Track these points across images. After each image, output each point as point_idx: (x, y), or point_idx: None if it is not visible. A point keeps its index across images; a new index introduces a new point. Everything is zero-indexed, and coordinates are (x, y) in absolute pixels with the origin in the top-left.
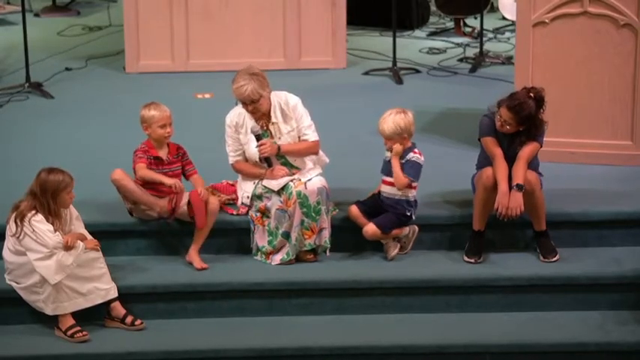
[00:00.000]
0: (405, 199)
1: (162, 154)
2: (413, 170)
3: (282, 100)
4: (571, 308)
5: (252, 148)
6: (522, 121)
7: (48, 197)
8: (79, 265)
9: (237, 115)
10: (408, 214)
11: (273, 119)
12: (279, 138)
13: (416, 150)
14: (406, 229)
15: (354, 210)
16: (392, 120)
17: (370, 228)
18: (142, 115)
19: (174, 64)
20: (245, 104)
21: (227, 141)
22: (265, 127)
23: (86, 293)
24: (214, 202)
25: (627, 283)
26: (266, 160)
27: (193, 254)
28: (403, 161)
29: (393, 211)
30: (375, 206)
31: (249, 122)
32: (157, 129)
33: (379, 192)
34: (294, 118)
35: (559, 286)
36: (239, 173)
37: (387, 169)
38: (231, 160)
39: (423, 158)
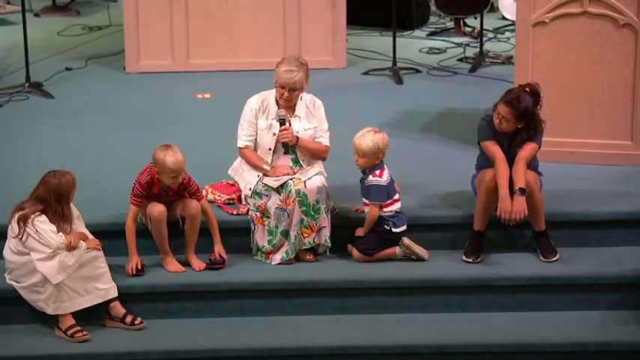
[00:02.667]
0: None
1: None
2: (373, 195)
3: (309, 98)
4: (571, 308)
5: (270, 135)
6: (520, 115)
7: (63, 202)
8: (80, 264)
9: (262, 100)
10: (387, 227)
11: (297, 113)
12: (297, 132)
13: (377, 172)
14: (397, 250)
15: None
16: (371, 138)
17: (354, 253)
18: (156, 159)
19: (174, 63)
20: (283, 89)
21: (242, 124)
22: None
23: (87, 293)
24: (195, 205)
25: (627, 283)
26: (283, 146)
27: (190, 257)
28: (367, 184)
29: (372, 230)
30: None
31: (273, 109)
32: (168, 178)
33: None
34: (317, 117)
35: (559, 286)
36: (243, 158)
37: (363, 192)
38: (241, 143)
39: (384, 178)
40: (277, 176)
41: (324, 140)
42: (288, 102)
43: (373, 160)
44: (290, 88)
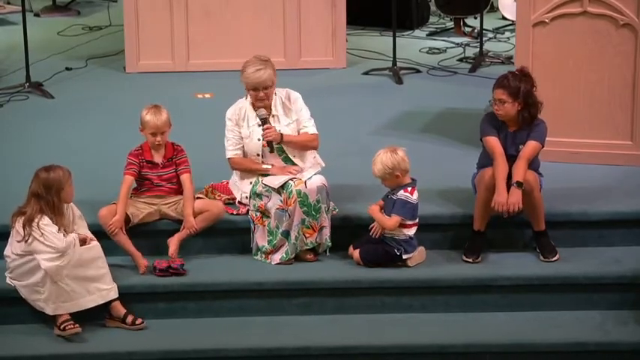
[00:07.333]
0: (390, 236)
1: (158, 157)
2: (398, 208)
3: (284, 94)
4: (571, 308)
5: (254, 141)
6: (514, 92)
7: (52, 195)
8: (81, 265)
9: (239, 109)
10: (397, 253)
11: (274, 112)
12: (279, 130)
13: (408, 189)
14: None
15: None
16: (379, 160)
17: (354, 255)
18: (141, 117)
19: (174, 64)
20: (257, 90)
21: (227, 135)
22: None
23: (87, 294)
24: (218, 205)
25: (627, 283)
26: (269, 144)
27: (175, 241)
28: (395, 198)
29: (382, 244)
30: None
31: (251, 115)
32: (148, 135)
33: None
34: (294, 110)
35: (559, 286)
36: (235, 167)
37: (387, 207)
38: (229, 154)
39: (414, 196)
40: (282, 174)
41: (310, 129)
42: (264, 101)
43: (394, 179)
44: (263, 87)
